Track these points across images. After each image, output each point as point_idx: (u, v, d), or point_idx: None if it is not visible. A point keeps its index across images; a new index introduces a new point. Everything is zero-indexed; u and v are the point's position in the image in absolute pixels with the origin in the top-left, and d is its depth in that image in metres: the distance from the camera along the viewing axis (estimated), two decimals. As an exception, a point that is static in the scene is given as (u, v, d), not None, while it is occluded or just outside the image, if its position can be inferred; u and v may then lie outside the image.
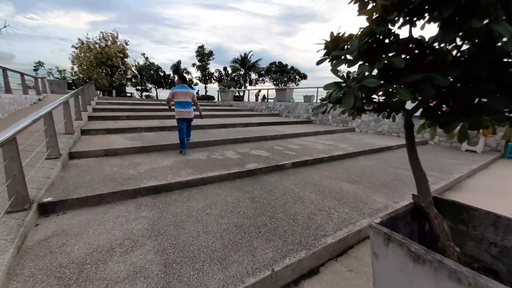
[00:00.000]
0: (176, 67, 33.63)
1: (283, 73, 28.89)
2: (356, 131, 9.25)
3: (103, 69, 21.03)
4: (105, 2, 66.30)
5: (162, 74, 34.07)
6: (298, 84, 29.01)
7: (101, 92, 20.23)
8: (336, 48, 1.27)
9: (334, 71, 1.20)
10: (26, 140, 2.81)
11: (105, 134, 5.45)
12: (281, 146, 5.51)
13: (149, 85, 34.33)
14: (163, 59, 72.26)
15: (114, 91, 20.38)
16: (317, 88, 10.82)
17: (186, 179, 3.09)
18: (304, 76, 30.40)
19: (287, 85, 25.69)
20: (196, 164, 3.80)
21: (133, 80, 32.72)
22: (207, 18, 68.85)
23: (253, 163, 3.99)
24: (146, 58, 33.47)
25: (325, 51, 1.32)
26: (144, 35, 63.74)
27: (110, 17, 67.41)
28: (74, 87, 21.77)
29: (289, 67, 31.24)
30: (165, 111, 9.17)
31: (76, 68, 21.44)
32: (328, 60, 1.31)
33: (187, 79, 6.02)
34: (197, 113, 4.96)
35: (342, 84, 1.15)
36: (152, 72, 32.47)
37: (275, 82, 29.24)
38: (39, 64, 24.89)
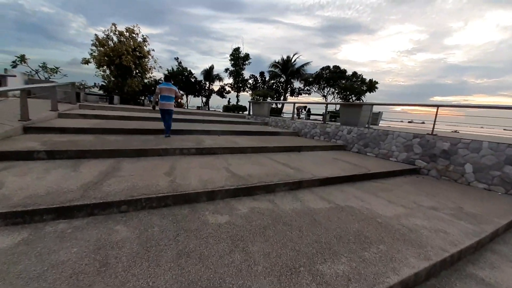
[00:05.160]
0: (208, 72, 30.69)
1: (342, 80, 21.92)
2: None
3: (112, 70, 17.49)
4: (161, 18, 69.84)
5: (193, 80, 31.34)
6: (362, 99, 21.04)
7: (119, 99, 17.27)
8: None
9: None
10: None
11: None
12: None
13: (180, 92, 31.86)
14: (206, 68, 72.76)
15: (116, 98, 16.98)
16: (437, 107, 5.50)
17: None
18: (371, 85, 22.53)
19: (359, 100, 18.03)
20: None
21: (165, 86, 30.68)
22: (250, 31, 68.47)
23: None
24: (179, 63, 31.19)
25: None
26: (192, 46, 65.12)
27: (165, 30, 71.24)
28: (106, 95, 18.35)
29: (349, 73, 23.45)
30: (146, 134, 5.09)
31: (107, 71, 18.79)
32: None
33: (171, 79, 6.37)
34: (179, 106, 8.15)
35: None
36: (182, 77, 29.88)
37: (339, 95, 21.37)
38: (21, 59, 16.91)
